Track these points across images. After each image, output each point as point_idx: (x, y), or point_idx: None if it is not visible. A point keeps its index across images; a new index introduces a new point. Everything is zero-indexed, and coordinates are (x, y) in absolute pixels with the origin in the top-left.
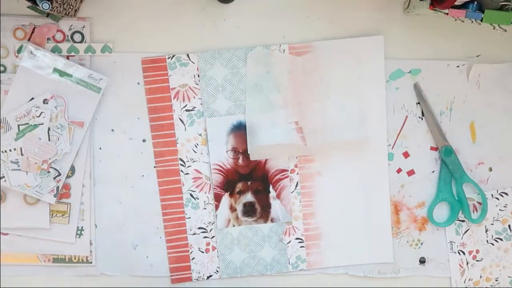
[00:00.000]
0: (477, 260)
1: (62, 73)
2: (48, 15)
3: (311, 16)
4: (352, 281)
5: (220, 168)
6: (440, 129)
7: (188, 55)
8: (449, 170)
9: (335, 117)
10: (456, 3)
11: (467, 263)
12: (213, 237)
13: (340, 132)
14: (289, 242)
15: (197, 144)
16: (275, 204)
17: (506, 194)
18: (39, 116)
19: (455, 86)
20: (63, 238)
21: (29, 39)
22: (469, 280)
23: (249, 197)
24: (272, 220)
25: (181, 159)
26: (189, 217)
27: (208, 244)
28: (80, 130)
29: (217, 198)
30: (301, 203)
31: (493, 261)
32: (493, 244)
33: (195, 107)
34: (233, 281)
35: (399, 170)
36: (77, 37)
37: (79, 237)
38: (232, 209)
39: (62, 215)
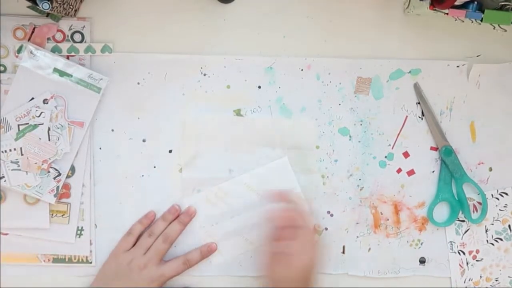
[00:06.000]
0: (477, 260)
1: (62, 73)
2: (48, 15)
3: (311, 16)
4: (352, 281)
5: None
6: (440, 129)
7: None
8: (449, 170)
9: None
10: (456, 3)
11: (467, 263)
12: None
13: None
14: None
15: None
16: None
17: (506, 194)
18: (39, 116)
19: (455, 86)
20: (63, 238)
21: (29, 39)
22: (469, 280)
23: None
24: None
25: None
26: None
27: None
28: (80, 130)
29: None
30: None
31: (493, 261)
32: (493, 244)
33: None
34: (232, 280)
35: (399, 170)
36: (77, 37)
37: (79, 237)
38: None
39: (62, 215)
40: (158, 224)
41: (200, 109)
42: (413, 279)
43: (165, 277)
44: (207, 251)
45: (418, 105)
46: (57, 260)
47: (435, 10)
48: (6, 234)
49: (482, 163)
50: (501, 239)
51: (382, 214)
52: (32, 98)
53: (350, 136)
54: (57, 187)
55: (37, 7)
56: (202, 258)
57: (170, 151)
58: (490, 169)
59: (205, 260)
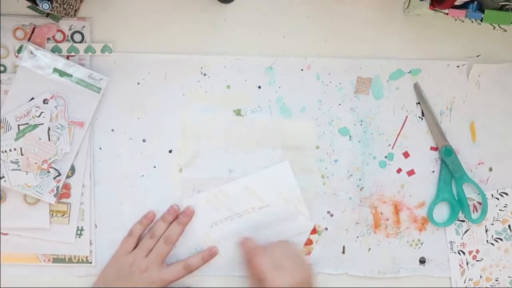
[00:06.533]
0: (477, 260)
1: (62, 73)
2: (48, 15)
3: (311, 16)
4: (352, 281)
5: None
6: (440, 129)
7: None
8: (449, 170)
9: None
10: (456, 3)
11: (467, 263)
12: None
13: None
14: None
15: None
16: None
17: (506, 194)
18: (39, 116)
19: (455, 86)
20: (63, 238)
21: (29, 39)
22: (469, 280)
23: None
24: None
25: None
26: None
27: None
28: (80, 130)
29: None
30: None
31: (493, 261)
32: (493, 244)
33: None
34: (232, 280)
35: (399, 170)
36: (77, 37)
37: (79, 237)
38: None
39: (62, 215)
40: (158, 225)
41: (200, 109)
42: (413, 279)
43: (165, 282)
44: (208, 256)
45: (418, 105)
46: (57, 260)
47: (435, 10)
48: (6, 234)
49: (482, 163)
50: (501, 239)
51: (382, 214)
52: (32, 98)
53: (350, 136)
54: (57, 187)
55: (37, 7)
56: (203, 263)
57: (170, 151)
58: (490, 169)
59: None
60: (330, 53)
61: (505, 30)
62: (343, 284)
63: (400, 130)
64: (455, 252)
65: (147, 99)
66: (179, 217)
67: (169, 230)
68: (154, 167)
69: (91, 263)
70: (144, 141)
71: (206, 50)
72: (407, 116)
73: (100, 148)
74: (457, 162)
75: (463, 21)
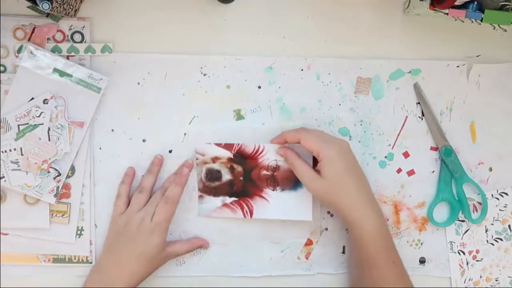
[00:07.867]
0: (477, 260)
1: (62, 73)
2: (48, 15)
3: (311, 16)
4: None
5: None
6: (440, 129)
7: None
8: (449, 170)
9: None
10: (456, 3)
11: (467, 263)
12: None
13: None
14: None
15: None
16: None
17: (506, 194)
18: (39, 116)
19: (455, 86)
20: (63, 238)
21: (29, 39)
22: (469, 280)
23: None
24: None
25: None
26: None
27: None
28: (80, 130)
29: None
30: None
31: (493, 261)
32: (493, 244)
33: None
34: (232, 281)
35: (399, 170)
36: (77, 37)
37: (79, 237)
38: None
39: (62, 215)
40: (145, 178)
41: (200, 109)
42: (413, 279)
43: (160, 225)
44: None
45: (418, 105)
46: (57, 260)
47: (435, 10)
48: (6, 234)
49: (482, 163)
50: (501, 239)
51: None
52: (32, 98)
53: (350, 136)
54: (57, 187)
55: (37, 7)
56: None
57: (170, 151)
58: (490, 169)
59: (205, 260)
60: (330, 53)
61: (505, 30)
62: (343, 284)
63: (400, 130)
64: (455, 252)
65: (147, 99)
66: (175, 179)
67: (168, 192)
68: None
69: (91, 263)
70: (144, 141)
71: (206, 50)
72: (407, 116)
73: (100, 148)
74: (457, 162)
75: (463, 21)
